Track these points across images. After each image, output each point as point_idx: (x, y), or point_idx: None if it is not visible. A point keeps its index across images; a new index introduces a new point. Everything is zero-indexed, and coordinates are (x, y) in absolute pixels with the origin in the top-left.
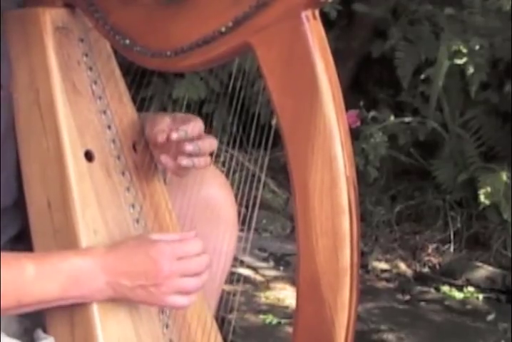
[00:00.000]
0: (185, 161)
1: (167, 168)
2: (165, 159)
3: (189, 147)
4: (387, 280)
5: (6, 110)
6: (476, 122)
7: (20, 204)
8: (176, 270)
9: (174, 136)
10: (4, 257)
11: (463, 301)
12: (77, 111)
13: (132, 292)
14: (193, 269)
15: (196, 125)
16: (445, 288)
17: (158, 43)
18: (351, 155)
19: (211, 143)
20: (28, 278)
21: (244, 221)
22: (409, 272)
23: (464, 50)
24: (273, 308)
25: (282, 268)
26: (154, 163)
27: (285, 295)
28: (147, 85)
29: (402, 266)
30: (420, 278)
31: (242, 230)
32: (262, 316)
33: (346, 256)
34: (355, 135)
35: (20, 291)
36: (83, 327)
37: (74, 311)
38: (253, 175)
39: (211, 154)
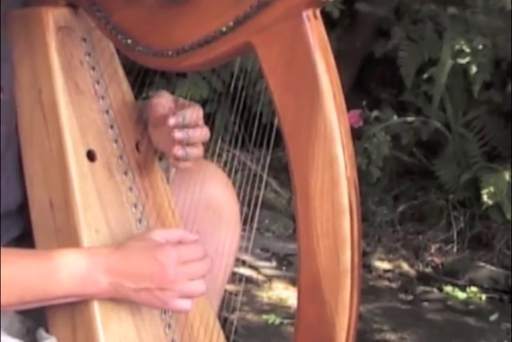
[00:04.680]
0: (180, 151)
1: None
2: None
3: (178, 135)
4: (390, 280)
5: (8, 111)
6: (479, 121)
7: (24, 208)
8: (182, 274)
9: (171, 121)
10: (7, 254)
11: (466, 301)
12: (79, 111)
13: (136, 294)
14: (197, 273)
15: (195, 112)
16: (448, 288)
17: (160, 43)
18: (352, 156)
19: (202, 133)
20: (31, 276)
21: (246, 221)
22: (412, 272)
23: (467, 50)
24: (275, 308)
25: (284, 268)
26: (157, 163)
27: (287, 295)
28: (149, 84)
29: (405, 266)
30: (423, 278)
31: (244, 230)
32: (264, 316)
33: (347, 257)
34: (358, 135)
35: (22, 288)
36: (85, 327)
37: (76, 311)
38: (255, 175)
39: (213, 154)
